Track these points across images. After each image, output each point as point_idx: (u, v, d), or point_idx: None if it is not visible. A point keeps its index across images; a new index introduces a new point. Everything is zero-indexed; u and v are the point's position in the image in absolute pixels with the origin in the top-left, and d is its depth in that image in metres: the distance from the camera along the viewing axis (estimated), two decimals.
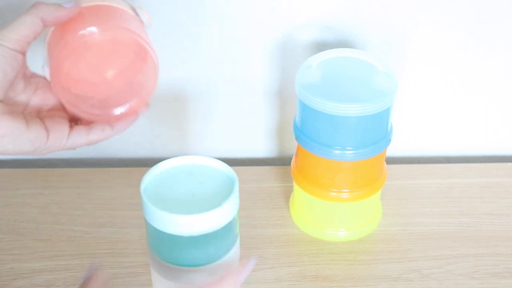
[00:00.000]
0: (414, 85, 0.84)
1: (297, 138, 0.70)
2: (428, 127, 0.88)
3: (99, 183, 0.81)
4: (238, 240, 0.59)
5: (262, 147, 0.90)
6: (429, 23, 0.79)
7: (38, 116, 0.52)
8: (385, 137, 0.68)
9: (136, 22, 0.52)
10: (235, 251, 0.58)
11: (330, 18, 0.79)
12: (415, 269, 0.68)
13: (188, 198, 0.55)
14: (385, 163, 0.73)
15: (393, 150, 0.82)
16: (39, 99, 0.53)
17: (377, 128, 0.67)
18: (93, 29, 0.49)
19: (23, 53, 0.50)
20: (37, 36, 0.50)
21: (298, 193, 0.74)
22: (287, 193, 0.80)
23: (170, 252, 0.55)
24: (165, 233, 0.53)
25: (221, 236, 0.55)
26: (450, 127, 0.88)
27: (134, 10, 0.53)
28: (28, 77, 0.53)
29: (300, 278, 0.67)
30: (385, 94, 0.64)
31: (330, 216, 0.72)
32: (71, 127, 0.53)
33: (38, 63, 0.53)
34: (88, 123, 0.54)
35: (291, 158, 0.76)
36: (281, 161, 0.90)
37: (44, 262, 0.69)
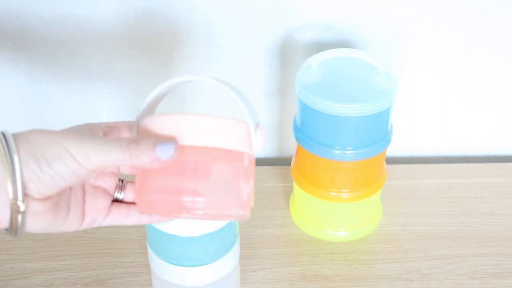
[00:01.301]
0: (414, 85, 0.84)
1: (297, 138, 0.70)
2: (428, 127, 0.88)
3: None
4: (238, 240, 0.59)
5: None
6: (429, 23, 0.79)
7: (82, 189, 0.47)
8: (385, 137, 0.68)
9: (240, 164, 0.46)
10: (235, 251, 0.58)
11: (330, 18, 0.79)
12: (415, 269, 0.68)
13: None
14: (385, 163, 0.73)
15: (393, 150, 0.82)
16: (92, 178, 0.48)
17: (377, 128, 0.67)
18: (199, 200, 0.44)
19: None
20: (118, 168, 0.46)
21: (298, 193, 0.74)
22: (287, 193, 0.80)
23: (170, 252, 0.55)
24: (165, 233, 0.53)
25: (221, 236, 0.55)
26: (450, 127, 0.88)
27: (252, 128, 0.46)
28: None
29: (300, 278, 0.67)
30: (385, 94, 0.64)
31: (330, 216, 0.72)
32: (109, 206, 0.49)
33: None
34: (128, 203, 0.49)
35: (291, 158, 0.76)
36: (281, 161, 0.90)
37: (44, 262, 0.69)
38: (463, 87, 0.85)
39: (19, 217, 0.41)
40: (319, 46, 0.80)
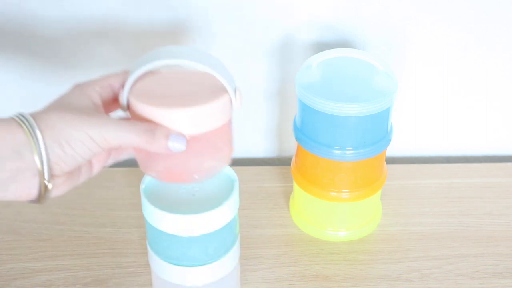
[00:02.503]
0: (414, 85, 0.84)
1: (297, 138, 0.70)
2: (428, 127, 0.88)
3: (99, 183, 0.81)
4: (238, 240, 0.59)
5: (262, 147, 0.90)
6: (429, 23, 0.79)
7: None
8: (385, 137, 0.68)
9: (227, 127, 0.52)
10: (235, 250, 0.58)
11: (330, 18, 0.79)
12: (415, 269, 0.68)
13: (188, 198, 0.55)
14: (385, 163, 0.73)
15: (393, 150, 0.82)
16: None
17: (377, 128, 0.67)
18: (196, 177, 0.51)
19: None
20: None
21: (298, 193, 0.74)
22: (287, 193, 0.80)
23: (170, 252, 0.55)
24: (165, 233, 0.53)
25: (221, 236, 0.55)
26: (450, 127, 0.88)
27: (231, 92, 0.51)
28: None
29: (300, 278, 0.67)
30: (385, 94, 0.64)
31: (330, 216, 0.72)
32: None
33: None
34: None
35: (291, 158, 0.76)
36: (281, 161, 0.90)
37: (44, 262, 0.69)
38: (463, 87, 0.85)
39: (46, 193, 0.46)
40: (319, 46, 0.80)
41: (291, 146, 0.78)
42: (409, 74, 0.83)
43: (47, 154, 0.44)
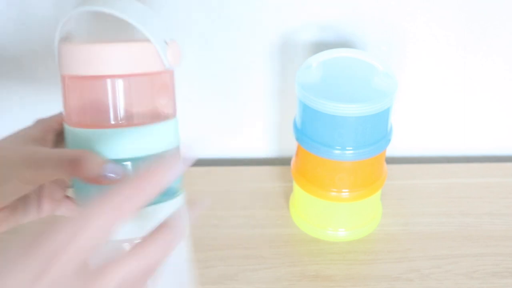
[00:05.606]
0: (414, 85, 0.84)
1: (297, 138, 0.70)
2: (428, 127, 0.88)
3: None
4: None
5: (262, 147, 0.90)
6: (429, 23, 0.79)
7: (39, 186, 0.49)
8: (385, 137, 0.68)
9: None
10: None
11: (330, 18, 0.79)
12: (415, 269, 0.68)
13: None
14: (385, 163, 0.73)
15: (393, 150, 0.82)
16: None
17: (377, 128, 0.67)
18: None
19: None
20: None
21: (298, 193, 0.74)
22: (287, 193, 0.80)
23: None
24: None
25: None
26: (450, 127, 0.88)
27: (161, 47, 0.45)
28: None
29: (300, 278, 0.68)
30: (385, 94, 0.64)
31: (330, 216, 0.72)
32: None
33: None
34: None
35: (291, 158, 0.76)
36: (281, 161, 0.90)
37: None
38: (463, 87, 0.85)
39: None
40: (319, 46, 0.80)
41: (291, 146, 0.78)
42: (409, 74, 0.83)
43: None
